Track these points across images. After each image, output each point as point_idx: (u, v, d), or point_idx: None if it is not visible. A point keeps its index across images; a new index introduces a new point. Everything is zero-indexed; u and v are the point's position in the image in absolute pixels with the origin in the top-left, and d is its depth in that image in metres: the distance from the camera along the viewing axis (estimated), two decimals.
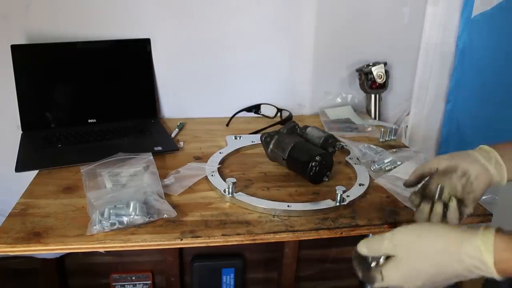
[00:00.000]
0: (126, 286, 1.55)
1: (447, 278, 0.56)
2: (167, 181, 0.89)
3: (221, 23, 1.23)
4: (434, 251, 0.55)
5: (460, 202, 0.70)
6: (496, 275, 0.51)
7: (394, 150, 1.05)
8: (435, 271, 0.55)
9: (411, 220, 0.80)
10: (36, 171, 0.93)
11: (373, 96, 1.33)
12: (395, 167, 0.96)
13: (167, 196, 0.84)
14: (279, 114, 1.29)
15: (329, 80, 1.34)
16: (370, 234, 0.82)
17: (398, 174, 0.92)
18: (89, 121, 1.20)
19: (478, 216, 0.83)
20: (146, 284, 1.55)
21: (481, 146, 0.72)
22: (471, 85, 1.28)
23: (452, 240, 0.55)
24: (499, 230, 0.53)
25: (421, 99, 1.33)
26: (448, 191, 0.71)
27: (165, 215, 0.77)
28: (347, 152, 1.04)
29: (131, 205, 0.75)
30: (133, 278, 1.54)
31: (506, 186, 0.71)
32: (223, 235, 0.74)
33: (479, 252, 0.52)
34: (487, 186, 0.70)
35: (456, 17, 1.22)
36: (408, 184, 0.76)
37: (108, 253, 1.50)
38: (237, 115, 1.28)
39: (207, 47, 1.25)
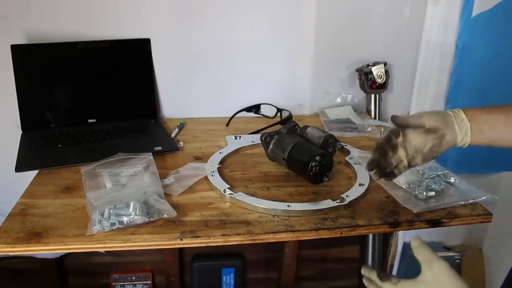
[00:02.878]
0: (126, 286, 1.54)
1: None
2: (167, 181, 0.89)
3: (221, 23, 1.23)
4: None
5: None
6: None
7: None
8: None
9: (411, 220, 0.80)
10: (36, 171, 0.93)
11: (373, 96, 1.33)
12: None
13: (167, 196, 0.84)
14: (279, 114, 1.29)
15: (329, 80, 1.34)
16: (370, 235, 0.82)
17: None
18: (89, 121, 1.20)
19: (478, 216, 0.83)
20: (146, 284, 1.55)
21: (458, 112, 0.76)
22: (471, 85, 1.28)
23: None
24: None
25: (421, 99, 1.33)
26: (416, 145, 0.76)
27: (165, 215, 0.77)
28: (347, 152, 1.04)
29: (131, 205, 0.75)
30: (133, 278, 1.54)
31: (506, 186, 0.72)
32: (223, 235, 0.74)
33: None
34: (447, 150, 0.76)
35: (456, 17, 1.22)
36: (395, 121, 0.78)
37: (108, 253, 1.50)
38: (237, 115, 1.28)
39: (207, 47, 1.25)
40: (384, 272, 0.68)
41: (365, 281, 0.72)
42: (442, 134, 0.75)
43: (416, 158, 0.77)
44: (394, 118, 0.78)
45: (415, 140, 0.76)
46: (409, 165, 0.77)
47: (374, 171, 0.79)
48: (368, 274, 0.71)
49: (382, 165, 0.78)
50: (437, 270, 0.63)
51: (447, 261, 0.63)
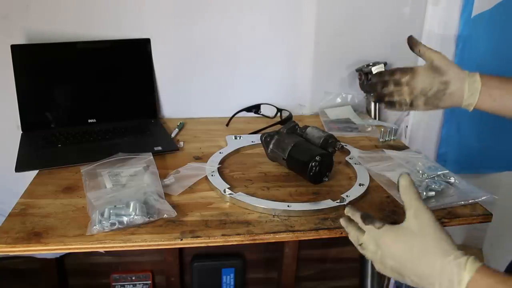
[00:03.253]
0: (126, 286, 1.55)
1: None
2: (167, 181, 0.89)
3: (221, 23, 1.23)
4: (416, 254, 0.58)
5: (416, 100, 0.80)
6: None
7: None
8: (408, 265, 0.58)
9: None
10: (36, 171, 0.93)
11: None
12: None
13: (167, 196, 0.84)
14: (279, 114, 1.29)
15: (329, 80, 1.34)
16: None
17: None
18: (89, 121, 1.20)
19: (478, 216, 0.83)
20: (146, 284, 1.55)
21: (475, 73, 0.77)
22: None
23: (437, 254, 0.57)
24: (482, 269, 0.54)
25: None
26: (422, 87, 0.79)
27: (165, 215, 0.77)
28: (347, 152, 1.04)
29: (131, 205, 0.75)
30: (133, 278, 1.54)
31: (506, 186, 0.73)
32: (223, 235, 0.74)
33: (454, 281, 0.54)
34: (450, 106, 0.79)
35: (456, 17, 1.21)
36: (411, 40, 0.82)
37: (108, 253, 1.50)
38: (237, 115, 1.28)
39: (207, 47, 1.25)
40: (368, 215, 0.65)
41: (343, 222, 0.69)
42: (447, 80, 0.76)
43: (419, 99, 0.79)
44: (410, 37, 0.82)
45: (422, 80, 0.78)
46: (411, 105, 0.79)
47: (372, 94, 0.83)
48: (352, 214, 0.68)
49: (380, 92, 0.82)
50: (423, 221, 0.60)
51: (433, 212, 0.61)
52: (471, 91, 0.75)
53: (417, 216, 0.61)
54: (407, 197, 0.63)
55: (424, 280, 0.57)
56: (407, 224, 0.61)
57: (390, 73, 0.82)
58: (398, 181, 0.64)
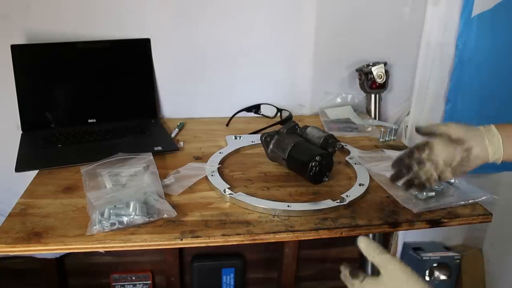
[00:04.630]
0: (126, 286, 1.54)
1: None
2: (167, 181, 0.89)
3: (221, 23, 1.23)
4: None
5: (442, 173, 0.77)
6: None
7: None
8: None
9: (411, 220, 0.80)
10: (36, 171, 0.93)
11: (373, 96, 1.33)
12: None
13: (167, 196, 0.84)
14: (279, 114, 1.29)
15: (329, 80, 1.34)
16: (370, 235, 0.82)
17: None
18: (89, 121, 1.20)
19: (478, 216, 0.83)
20: (146, 284, 1.55)
21: (490, 126, 0.76)
22: (471, 85, 1.28)
23: None
24: None
25: (421, 99, 1.33)
26: (444, 159, 0.76)
27: (165, 215, 0.77)
28: (347, 152, 1.04)
29: (131, 205, 0.75)
30: (133, 278, 1.54)
31: (506, 186, 0.72)
32: (223, 235, 0.74)
33: None
34: (478, 165, 0.76)
35: (456, 17, 1.21)
36: (419, 131, 0.80)
37: (108, 253, 1.50)
38: (237, 115, 1.28)
39: (207, 47, 1.25)
40: (355, 269, 0.67)
41: (342, 277, 0.70)
42: (469, 147, 0.74)
43: (446, 172, 0.76)
44: (418, 128, 0.79)
45: (443, 153, 0.76)
46: (440, 178, 0.77)
47: (400, 183, 0.81)
48: (344, 269, 0.69)
49: (407, 177, 0.79)
50: (392, 273, 0.62)
51: (400, 260, 0.62)
52: (494, 148, 0.74)
53: (385, 269, 0.63)
54: (371, 256, 0.65)
55: None
56: (381, 279, 0.63)
57: (408, 155, 0.79)
58: (358, 245, 0.66)
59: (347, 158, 1.01)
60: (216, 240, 0.73)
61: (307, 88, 1.34)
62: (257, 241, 0.74)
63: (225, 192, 0.84)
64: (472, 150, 0.74)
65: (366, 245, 0.65)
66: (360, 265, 1.42)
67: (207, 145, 1.10)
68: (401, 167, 0.80)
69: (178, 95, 1.29)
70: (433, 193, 0.86)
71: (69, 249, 0.72)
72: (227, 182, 0.88)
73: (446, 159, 0.75)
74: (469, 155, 0.74)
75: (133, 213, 0.75)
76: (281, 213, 0.80)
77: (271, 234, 0.75)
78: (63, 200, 0.83)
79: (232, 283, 1.58)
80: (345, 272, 0.69)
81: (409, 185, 0.80)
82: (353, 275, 0.66)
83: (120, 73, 1.23)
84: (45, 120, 1.16)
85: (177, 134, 1.17)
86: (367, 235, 0.66)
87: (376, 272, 0.65)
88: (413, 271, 0.62)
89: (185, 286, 1.60)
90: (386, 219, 0.80)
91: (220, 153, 1.03)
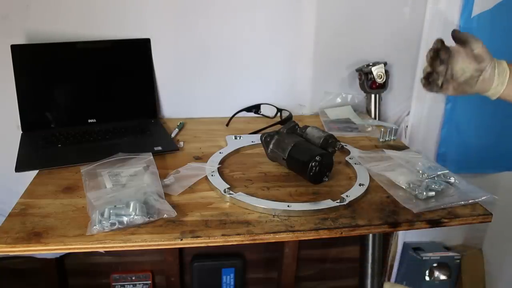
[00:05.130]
0: (126, 286, 1.54)
1: None
2: (167, 181, 0.89)
3: (221, 23, 1.23)
4: None
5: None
6: None
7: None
8: None
9: (411, 220, 0.80)
10: (36, 171, 0.93)
11: (373, 96, 1.33)
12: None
13: (167, 196, 0.84)
14: (279, 114, 1.29)
15: (329, 80, 1.34)
16: (370, 235, 0.82)
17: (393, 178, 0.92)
18: (89, 121, 1.20)
19: (478, 216, 0.83)
20: (146, 284, 1.55)
21: (502, 61, 0.79)
22: None
23: None
24: None
25: (421, 99, 1.33)
26: (458, 69, 0.79)
27: (165, 215, 0.77)
28: (347, 152, 1.04)
29: (131, 205, 0.75)
30: (133, 278, 1.54)
31: (506, 186, 0.72)
32: (223, 235, 0.74)
33: None
34: (475, 92, 0.80)
35: (456, 17, 1.22)
36: (454, 33, 0.83)
37: (108, 253, 1.50)
38: (237, 115, 1.28)
39: (207, 47, 1.25)
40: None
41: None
42: (483, 67, 0.77)
43: (450, 84, 0.79)
44: (454, 30, 0.82)
45: (459, 63, 0.78)
46: (441, 87, 0.80)
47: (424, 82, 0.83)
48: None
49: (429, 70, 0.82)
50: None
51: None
52: (500, 80, 0.76)
53: None
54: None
55: None
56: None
57: (435, 53, 0.81)
58: None
59: (347, 158, 1.01)
60: (216, 240, 0.73)
61: (307, 88, 1.34)
62: (257, 241, 0.74)
63: (225, 192, 0.84)
64: (484, 73, 0.76)
65: None
66: (360, 264, 1.43)
67: (207, 145, 1.10)
68: (433, 63, 0.81)
69: (178, 95, 1.29)
70: (433, 193, 0.86)
71: (69, 249, 0.72)
72: (227, 182, 0.88)
73: (457, 71, 0.78)
74: (479, 76, 0.77)
75: (133, 213, 0.75)
76: (281, 213, 0.80)
77: (271, 234, 0.75)
78: (63, 200, 0.83)
79: (232, 283, 1.58)
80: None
81: (428, 76, 0.82)
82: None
83: (120, 73, 1.23)
84: (45, 120, 1.16)
85: (177, 134, 1.17)
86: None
87: None
88: None
89: (185, 286, 1.60)
90: (386, 219, 0.80)
91: (220, 153, 1.03)
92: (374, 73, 1.27)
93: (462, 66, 0.79)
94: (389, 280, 1.55)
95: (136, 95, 1.25)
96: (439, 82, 0.80)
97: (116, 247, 0.71)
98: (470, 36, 0.80)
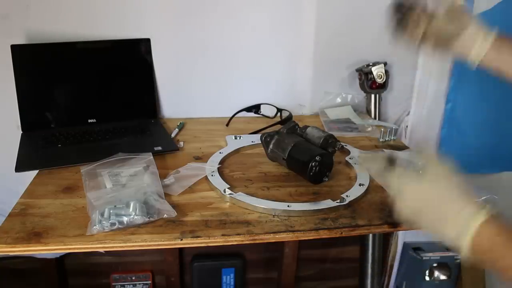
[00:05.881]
0: (126, 286, 1.55)
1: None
2: (167, 181, 0.89)
3: (221, 23, 1.23)
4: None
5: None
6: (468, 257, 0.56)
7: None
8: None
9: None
10: (36, 171, 0.93)
11: (373, 96, 1.33)
12: None
13: (167, 196, 0.84)
14: (279, 114, 1.29)
15: (329, 80, 1.34)
16: (370, 235, 0.82)
17: None
18: (89, 121, 1.20)
19: None
20: (146, 284, 1.55)
21: (492, 32, 0.76)
22: (471, 85, 1.28)
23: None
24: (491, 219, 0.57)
25: (421, 99, 1.33)
26: (440, 23, 0.76)
27: (165, 215, 0.77)
28: (347, 152, 1.04)
29: (131, 205, 0.75)
30: (133, 278, 1.54)
31: (506, 186, 0.72)
32: (223, 235, 0.74)
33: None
34: (456, 55, 0.78)
35: None
36: None
37: (108, 253, 1.50)
38: (237, 115, 1.28)
39: (207, 47, 1.25)
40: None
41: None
42: (464, 26, 0.75)
43: (429, 37, 0.77)
44: None
45: (441, 20, 0.76)
46: (422, 38, 0.78)
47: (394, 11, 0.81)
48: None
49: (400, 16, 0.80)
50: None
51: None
52: (481, 41, 0.74)
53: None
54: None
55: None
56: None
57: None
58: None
59: (347, 158, 1.01)
60: (216, 240, 0.73)
61: (307, 88, 1.34)
62: (257, 241, 0.74)
63: (225, 192, 0.84)
64: (464, 31, 0.74)
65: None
66: (360, 264, 1.43)
67: (207, 145, 1.10)
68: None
69: (178, 95, 1.29)
70: None
71: (69, 249, 0.72)
72: (227, 182, 0.88)
73: (439, 27, 0.75)
74: (460, 35, 0.75)
75: (133, 213, 0.75)
76: (281, 213, 0.80)
77: (271, 234, 0.75)
78: (63, 200, 0.83)
79: (232, 283, 1.58)
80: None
81: (398, 22, 0.80)
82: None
83: (120, 73, 1.23)
84: (45, 120, 1.16)
85: (177, 134, 1.17)
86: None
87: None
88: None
89: (185, 286, 1.60)
90: (386, 219, 0.80)
91: (220, 153, 1.03)
92: (374, 73, 1.27)
93: (443, 22, 0.76)
94: (389, 280, 1.54)
95: (136, 95, 1.25)
96: (419, 33, 0.77)
97: (116, 247, 0.71)
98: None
